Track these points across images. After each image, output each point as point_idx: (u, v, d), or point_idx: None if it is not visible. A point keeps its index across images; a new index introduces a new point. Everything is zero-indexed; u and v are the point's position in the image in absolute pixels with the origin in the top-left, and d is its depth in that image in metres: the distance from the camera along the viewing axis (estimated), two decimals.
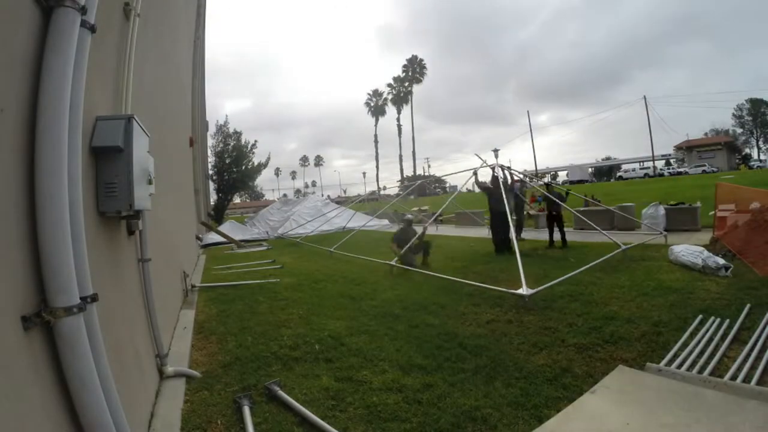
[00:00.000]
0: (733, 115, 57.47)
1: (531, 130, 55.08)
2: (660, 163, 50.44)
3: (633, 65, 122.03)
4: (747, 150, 54.51)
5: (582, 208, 10.75)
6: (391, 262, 6.88)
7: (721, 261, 5.22)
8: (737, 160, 47.11)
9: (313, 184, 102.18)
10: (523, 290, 4.53)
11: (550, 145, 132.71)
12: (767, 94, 53.84)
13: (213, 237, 14.00)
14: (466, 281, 5.52)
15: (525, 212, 13.50)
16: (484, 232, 12.05)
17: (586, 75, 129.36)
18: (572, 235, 9.71)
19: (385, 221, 17.87)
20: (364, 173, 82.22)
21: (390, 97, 58.72)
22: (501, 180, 8.06)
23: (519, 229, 9.34)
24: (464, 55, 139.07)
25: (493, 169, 8.52)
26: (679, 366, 2.83)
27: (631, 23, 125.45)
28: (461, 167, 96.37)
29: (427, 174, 66.56)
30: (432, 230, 10.83)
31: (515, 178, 9.49)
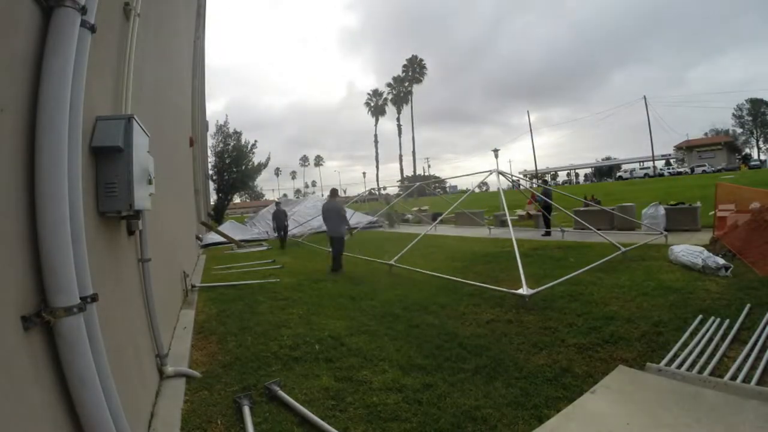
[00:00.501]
0: (733, 115, 57.58)
1: (531, 130, 55.20)
2: (660, 163, 50.45)
3: (630, 62, 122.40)
4: (747, 150, 54.57)
5: (581, 209, 10.79)
6: (391, 262, 6.89)
7: (721, 261, 5.22)
8: (737, 160, 47.12)
9: (313, 184, 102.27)
10: (524, 290, 4.53)
11: (545, 145, 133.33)
12: (767, 94, 53.97)
13: (213, 237, 14.00)
14: (467, 281, 5.52)
15: (525, 212, 13.94)
16: (485, 232, 12.07)
17: (582, 74, 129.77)
18: (572, 235, 9.75)
19: (385, 221, 17.91)
20: (364, 173, 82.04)
21: (390, 97, 58.64)
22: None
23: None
24: (454, 54, 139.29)
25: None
26: (679, 366, 2.83)
27: (630, 19, 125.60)
28: (457, 167, 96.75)
29: (427, 174, 66.55)
30: (431, 230, 11.00)
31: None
